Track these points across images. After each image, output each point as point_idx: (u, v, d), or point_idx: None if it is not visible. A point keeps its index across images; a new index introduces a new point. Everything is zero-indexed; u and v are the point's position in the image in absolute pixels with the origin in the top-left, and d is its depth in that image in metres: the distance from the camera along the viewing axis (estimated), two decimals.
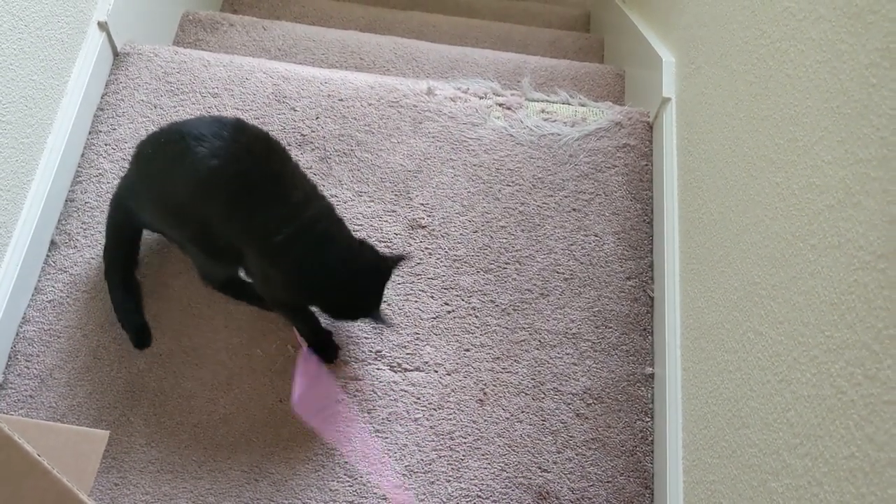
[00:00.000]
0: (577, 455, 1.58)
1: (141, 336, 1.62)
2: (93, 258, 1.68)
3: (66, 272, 1.67)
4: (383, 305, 1.67)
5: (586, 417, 1.61)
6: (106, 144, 1.82)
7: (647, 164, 1.90)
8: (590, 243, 1.79)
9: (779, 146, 1.22)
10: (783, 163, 1.19)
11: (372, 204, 1.80)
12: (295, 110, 1.90)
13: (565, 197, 1.84)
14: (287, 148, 1.82)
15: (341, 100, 1.93)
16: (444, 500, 1.52)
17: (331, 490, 1.51)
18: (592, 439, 1.59)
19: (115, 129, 1.84)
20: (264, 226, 1.42)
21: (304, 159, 1.83)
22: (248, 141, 1.46)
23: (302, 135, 1.87)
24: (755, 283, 1.23)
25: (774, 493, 1.03)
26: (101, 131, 1.84)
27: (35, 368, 1.58)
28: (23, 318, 1.62)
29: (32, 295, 1.64)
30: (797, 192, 1.12)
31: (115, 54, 1.94)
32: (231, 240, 1.48)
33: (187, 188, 1.44)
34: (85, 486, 0.97)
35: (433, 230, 1.79)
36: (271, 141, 1.52)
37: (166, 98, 1.91)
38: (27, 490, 0.74)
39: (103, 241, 1.66)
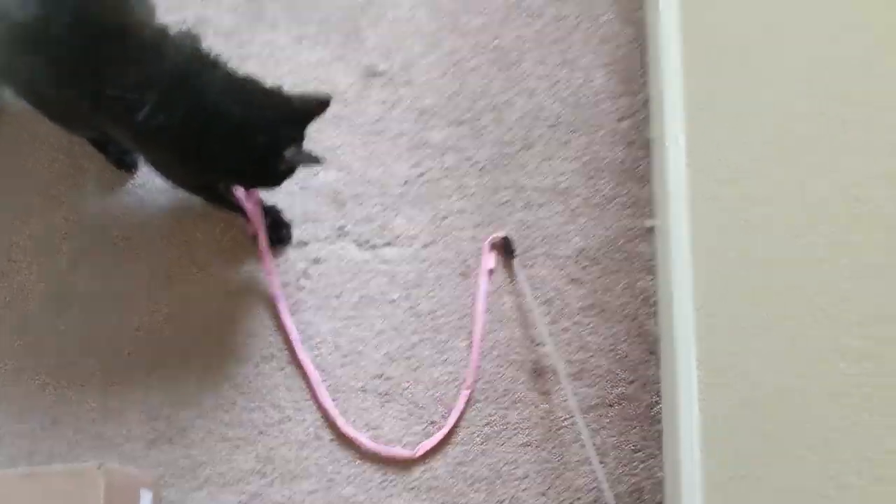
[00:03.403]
0: (573, 324, 1.42)
1: None
2: None
3: None
4: (341, 173, 1.44)
5: (582, 282, 1.44)
6: None
7: None
8: (577, 80, 1.55)
9: None
10: None
11: (316, 49, 1.55)
12: None
13: (545, 25, 1.59)
14: None
15: None
16: (431, 386, 1.38)
17: (300, 389, 1.35)
18: (590, 305, 1.44)
19: None
20: (118, 100, 1.16)
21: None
22: None
23: None
24: (794, 114, 1.01)
25: (841, 381, 0.88)
26: None
27: None
28: None
29: None
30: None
31: None
32: (79, 109, 1.23)
33: (1, 42, 1.19)
34: None
35: (392, 77, 1.55)
36: None
37: None
38: None
39: None
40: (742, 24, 1.23)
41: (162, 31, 1.22)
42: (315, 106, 1.22)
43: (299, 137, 1.23)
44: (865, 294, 0.84)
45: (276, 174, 1.25)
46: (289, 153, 1.20)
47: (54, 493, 0.98)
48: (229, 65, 1.24)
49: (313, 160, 1.22)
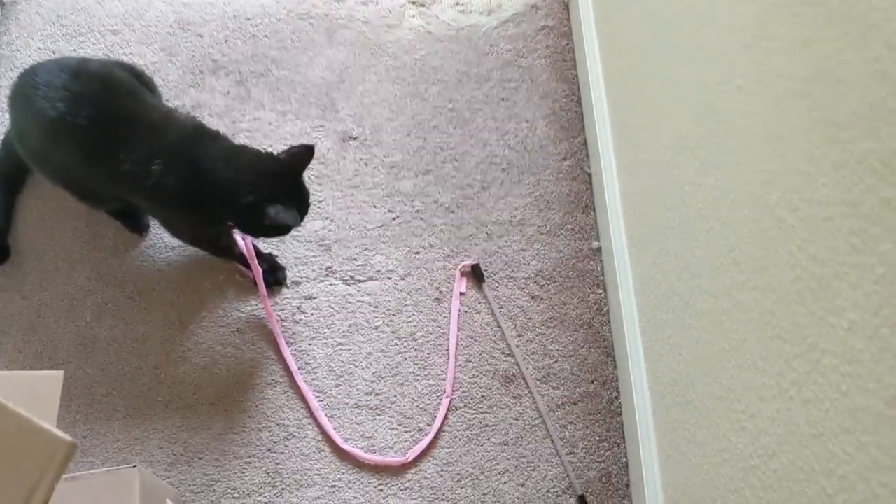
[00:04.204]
0: (537, 336, 1.61)
1: None
2: (15, 226, 1.61)
3: None
4: (326, 221, 1.65)
5: (541, 299, 1.64)
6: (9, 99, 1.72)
7: (567, 44, 1.88)
8: (522, 130, 1.78)
9: None
10: (697, 13, 1.19)
11: (298, 122, 1.76)
12: (201, 36, 1.82)
13: (492, 88, 1.82)
14: (200, 75, 1.76)
15: (248, 19, 1.85)
16: (415, 398, 1.54)
17: (301, 408, 1.52)
18: (550, 318, 1.62)
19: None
20: (133, 173, 1.33)
21: (219, 86, 1.76)
22: (84, 87, 1.35)
23: (213, 61, 1.79)
24: (685, 136, 1.24)
25: (729, 332, 1.07)
26: (1, 87, 1.74)
27: None
28: None
29: None
30: (714, 38, 1.12)
31: (1, 3, 1.82)
32: (102, 185, 1.42)
33: (38, 137, 1.39)
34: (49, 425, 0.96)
35: (365, 140, 1.75)
36: (112, 79, 1.40)
37: (64, 42, 1.80)
38: None
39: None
40: (649, 72, 1.48)
41: (167, 113, 1.41)
42: (302, 154, 1.36)
43: (289, 193, 1.36)
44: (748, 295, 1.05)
45: (263, 228, 1.37)
46: (273, 211, 1.30)
47: (95, 489, 1.14)
48: (227, 137, 1.42)
49: (294, 221, 1.32)
